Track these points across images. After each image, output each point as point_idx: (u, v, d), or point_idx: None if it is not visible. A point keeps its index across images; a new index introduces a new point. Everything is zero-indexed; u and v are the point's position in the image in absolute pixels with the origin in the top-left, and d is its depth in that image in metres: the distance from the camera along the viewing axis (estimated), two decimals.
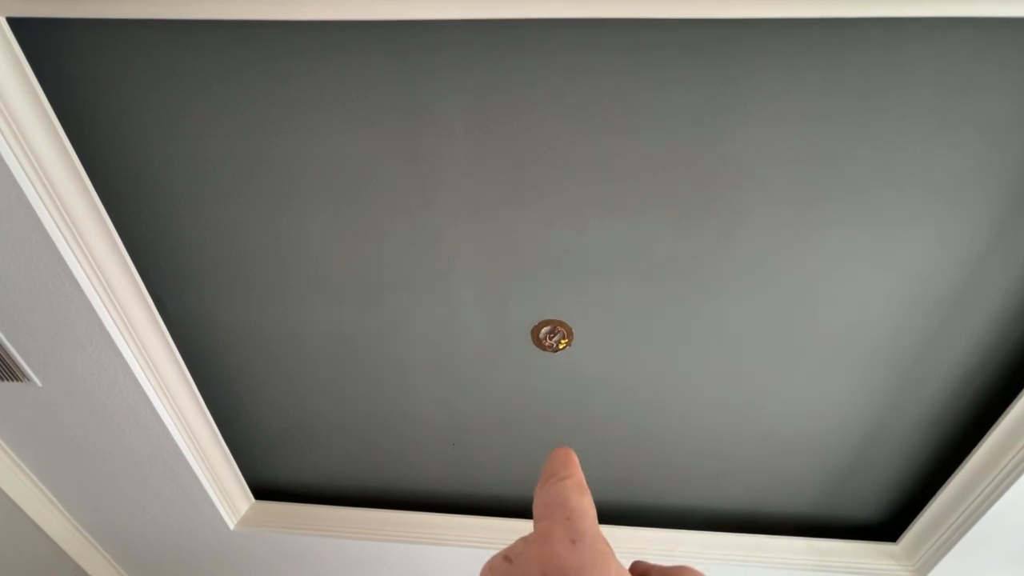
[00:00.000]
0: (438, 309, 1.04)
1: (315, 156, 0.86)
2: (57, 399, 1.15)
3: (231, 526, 1.44)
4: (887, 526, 1.33)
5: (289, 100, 0.80)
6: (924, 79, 0.71)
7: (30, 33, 0.76)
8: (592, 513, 0.22)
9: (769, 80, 0.73)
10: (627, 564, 0.22)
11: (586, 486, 0.24)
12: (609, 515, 1.39)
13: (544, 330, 1.04)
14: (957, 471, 1.12)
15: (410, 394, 1.20)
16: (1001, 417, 1.03)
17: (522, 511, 1.42)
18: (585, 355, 1.08)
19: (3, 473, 1.29)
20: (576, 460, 0.25)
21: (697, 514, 1.37)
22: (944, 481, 1.16)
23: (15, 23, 0.75)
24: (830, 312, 0.96)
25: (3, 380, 1.11)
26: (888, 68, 0.71)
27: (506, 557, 0.20)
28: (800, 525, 1.35)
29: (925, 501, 1.22)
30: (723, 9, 0.65)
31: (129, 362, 1.06)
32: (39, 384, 1.11)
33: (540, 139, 0.81)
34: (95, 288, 0.96)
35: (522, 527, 1.38)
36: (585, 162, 0.83)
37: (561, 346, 1.06)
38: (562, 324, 1.03)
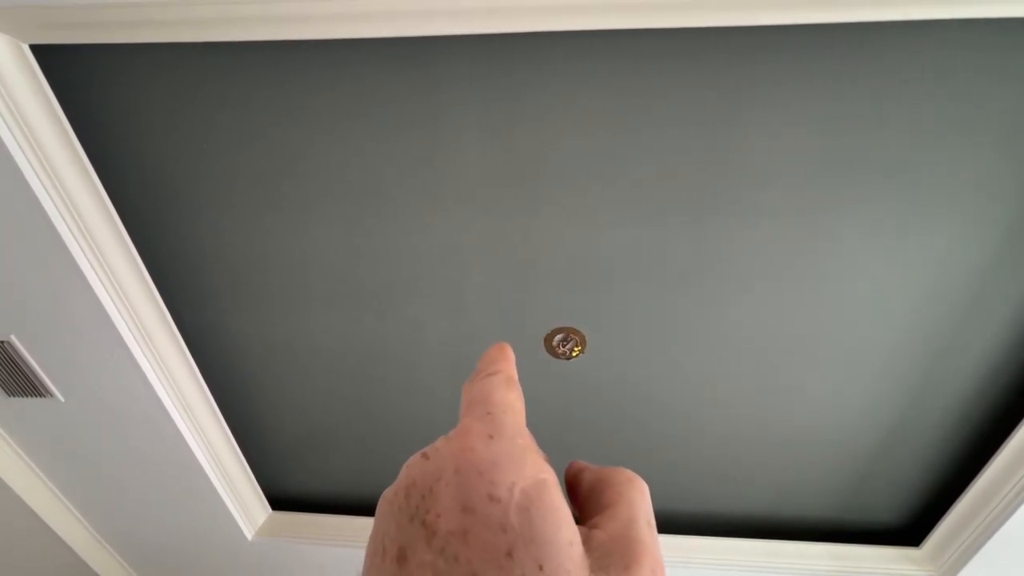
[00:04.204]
0: (452, 317, 1.04)
1: (330, 170, 0.87)
2: (78, 413, 1.17)
3: (249, 536, 1.45)
4: (910, 530, 1.30)
5: (306, 118, 0.82)
6: (936, 82, 0.71)
7: (53, 60, 0.78)
8: (518, 407, 0.21)
9: (780, 85, 0.73)
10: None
11: (516, 381, 0.22)
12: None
13: (557, 338, 1.04)
14: (981, 472, 1.10)
15: (426, 403, 1.20)
16: None
17: None
18: (599, 362, 1.08)
19: (26, 486, 1.31)
20: (510, 355, 0.24)
21: (714, 519, 1.35)
22: (968, 483, 1.14)
23: (38, 50, 0.77)
24: (847, 313, 0.95)
25: (27, 396, 1.13)
26: (900, 72, 0.70)
27: (424, 454, 0.19)
28: (820, 530, 1.33)
29: (949, 504, 1.20)
30: (732, 17, 0.65)
31: (148, 376, 1.07)
32: (61, 399, 1.13)
33: (552, 147, 0.82)
34: (115, 304, 0.98)
35: None
36: (597, 169, 0.83)
37: (574, 354, 1.06)
38: (575, 332, 1.03)
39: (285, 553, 1.50)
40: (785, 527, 1.34)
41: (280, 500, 1.50)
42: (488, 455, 0.18)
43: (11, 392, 1.12)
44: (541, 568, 0.16)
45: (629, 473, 0.21)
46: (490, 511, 0.17)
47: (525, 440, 0.19)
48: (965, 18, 0.65)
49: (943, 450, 1.14)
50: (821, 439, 1.15)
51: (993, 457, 1.08)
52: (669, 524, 1.37)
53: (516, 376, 0.23)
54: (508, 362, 0.24)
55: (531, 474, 0.18)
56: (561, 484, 0.20)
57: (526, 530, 0.16)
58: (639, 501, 0.20)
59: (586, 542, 0.18)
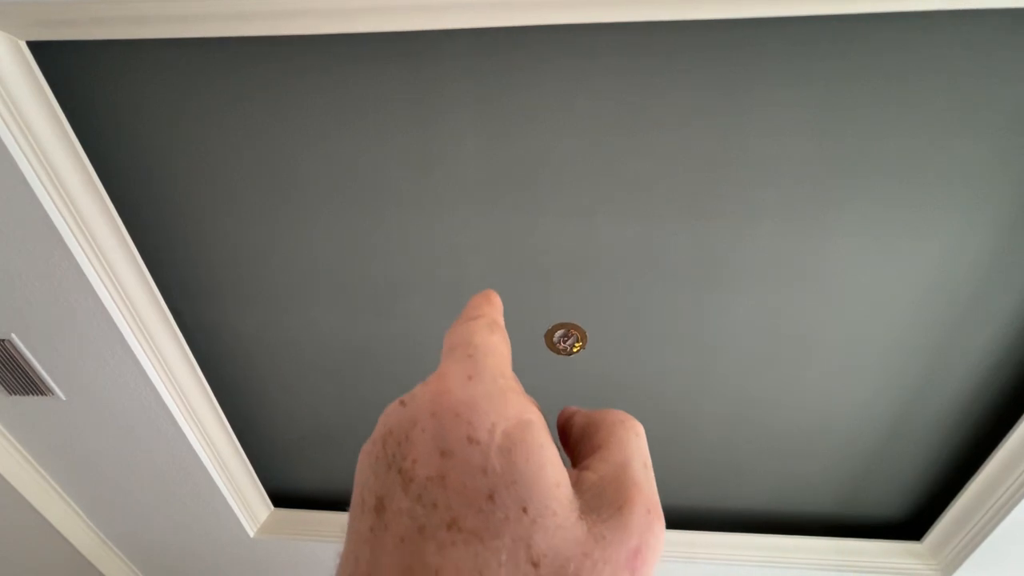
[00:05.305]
0: (453, 314, 1.04)
1: (331, 168, 0.87)
2: (80, 412, 1.17)
3: (251, 534, 1.46)
4: (911, 524, 1.30)
5: (304, 115, 0.81)
6: (936, 80, 0.70)
7: (50, 56, 0.78)
8: (502, 351, 0.20)
9: (781, 80, 0.73)
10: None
11: (500, 326, 0.21)
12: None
13: (558, 333, 1.04)
14: (983, 466, 1.10)
15: None
16: None
17: None
18: (599, 358, 1.07)
19: (28, 484, 1.32)
20: (496, 301, 0.23)
21: (717, 515, 1.36)
22: (969, 477, 1.14)
23: (35, 47, 0.76)
24: (848, 310, 0.95)
25: (28, 394, 1.13)
26: (900, 67, 0.70)
27: (401, 401, 0.18)
28: (822, 524, 1.33)
29: (950, 498, 1.20)
30: (732, 9, 0.65)
31: (149, 374, 1.07)
32: (63, 398, 1.13)
33: (551, 143, 0.82)
34: (115, 302, 0.98)
35: None
36: (596, 165, 0.83)
37: (575, 349, 1.06)
38: (576, 327, 1.03)
39: (287, 550, 1.50)
40: (786, 522, 1.34)
41: (282, 497, 1.50)
42: (465, 396, 0.17)
43: (12, 391, 1.12)
44: (525, 510, 0.15)
45: (622, 414, 0.20)
46: (469, 453, 0.16)
47: (507, 381, 0.18)
48: (965, 9, 0.64)
49: (944, 445, 1.14)
50: (822, 434, 1.15)
51: (994, 451, 1.08)
52: (670, 520, 1.37)
53: (502, 322, 0.22)
54: (493, 307, 0.22)
55: (514, 414, 0.17)
56: (553, 433, 0.19)
57: (508, 472, 0.15)
58: (633, 442, 0.19)
59: (576, 484, 0.17)
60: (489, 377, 0.18)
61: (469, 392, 0.17)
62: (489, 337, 0.20)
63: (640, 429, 0.20)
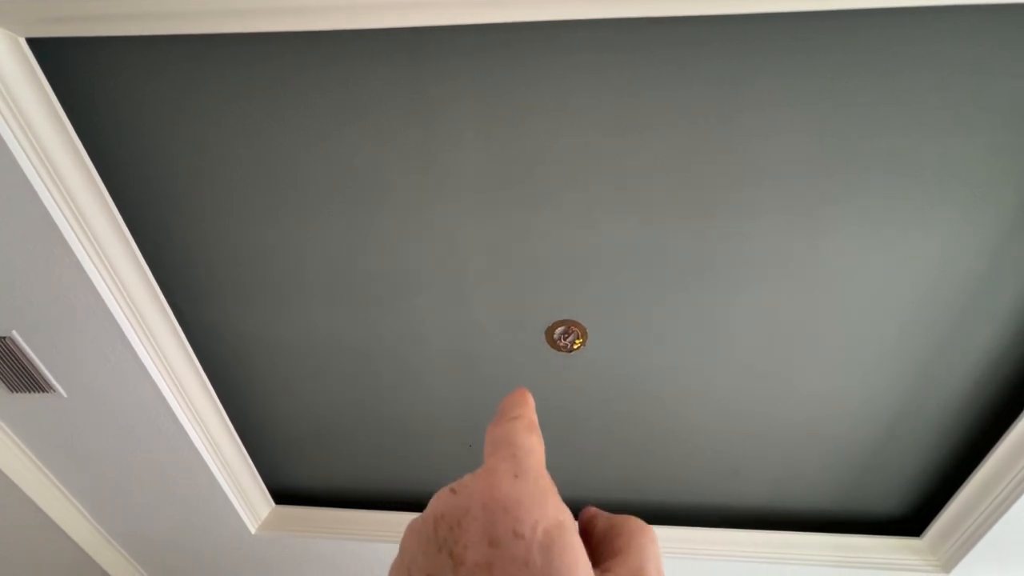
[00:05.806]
0: (453, 312, 1.04)
1: (330, 166, 0.87)
2: (81, 409, 1.17)
3: (252, 531, 1.46)
4: (911, 520, 1.31)
5: (303, 113, 0.81)
6: (932, 72, 0.70)
7: (50, 53, 0.78)
8: (539, 452, 0.22)
9: (779, 77, 0.72)
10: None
11: (537, 427, 0.24)
12: (628, 514, 1.38)
13: (559, 330, 1.04)
14: (983, 462, 1.11)
15: (427, 397, 1.20)
16: None
17: None
18: (600, 355, 1.08)
19: (30, 481, 1.32)
20: (530, 401, 0.25)
21: (716, 511, 1.36)
22: (969, 473, 1.15)
23: (35, 44, 0.76)
24: (848, 306, 0.95)
25: (30, 391, 1.13)
26: (894, 63, 0.70)
27: (452, 489, 0.20)
28: (821, 520, 1.34)
29: (950, 494, 1.20)
30: (728, 6, 0.64)
31: (151, 372, 1.08)
32: (64, 395, 1.14)
33: (550, 141, 0.82)
34: (117, 300, 0.98)
35: None
36: (596, 163, 0.83)
37: (576, 346, 1.06)
38: (576, 324, 1.03)
39: (288, 547, 1.51)
40: (787, 518, 1.34)
41: (283, 494, 1.51)
42: (514, 493, 0.19)
43: (13, 388, 1.13)
44: None
45: (640, 522, 0.23)
46: (514, 546, 0.18)
47: (546, 482, 0.21)
48: (958, 5, 0.64)
49: (944, 441, 1.14)
50: (823, 430, 1.15)
51: (994, 448, 1.08)
52: (671, 516, 1.37)
53: (536, 421, 0.24)
54: (529, 407, 0.25)
55: (553, 515, 0.19)
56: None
57: (547, 567, 0.18)
58: (649, 549, 0.22)
59: None
60: (532, 478, 0.20)
61: (517, 490, 0.19)
62: (529, 438, 0.22)
63: (655, 536, 0.23)
